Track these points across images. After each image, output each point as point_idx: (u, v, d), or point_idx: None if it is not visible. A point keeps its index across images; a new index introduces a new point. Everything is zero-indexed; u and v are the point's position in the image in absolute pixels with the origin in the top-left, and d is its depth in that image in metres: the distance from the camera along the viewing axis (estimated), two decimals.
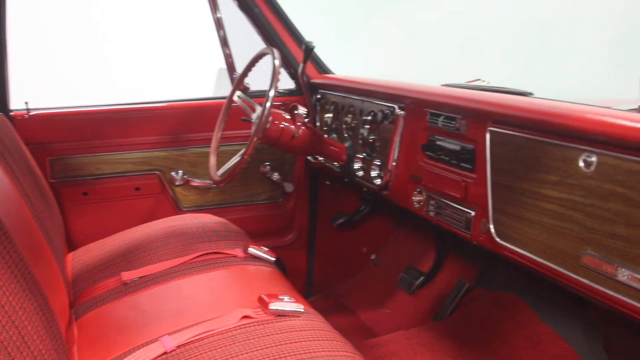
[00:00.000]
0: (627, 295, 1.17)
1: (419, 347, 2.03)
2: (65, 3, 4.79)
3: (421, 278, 2.45)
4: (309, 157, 2.49)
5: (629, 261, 1.16)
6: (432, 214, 1.87)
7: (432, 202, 1.86)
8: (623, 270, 1.18)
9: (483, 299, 2.20)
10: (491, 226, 1.54)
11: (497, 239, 1.52)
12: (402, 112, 1.97)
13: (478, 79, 2.09)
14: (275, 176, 2.60)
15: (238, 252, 1.81)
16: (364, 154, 2.17)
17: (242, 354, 1.26)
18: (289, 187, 2.64)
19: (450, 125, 1.74)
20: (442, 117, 1.77)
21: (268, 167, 2.59)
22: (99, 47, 4.85)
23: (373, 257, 2.83)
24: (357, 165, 2.20)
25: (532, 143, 1.41)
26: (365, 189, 2.40)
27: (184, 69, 4.83)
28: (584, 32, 5.53)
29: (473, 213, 1.68)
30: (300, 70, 2.29)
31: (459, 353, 1.99)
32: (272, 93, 1.89)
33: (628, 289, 1.17)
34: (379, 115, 2.05)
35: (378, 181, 2.07)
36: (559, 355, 1.86)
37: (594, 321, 1.78)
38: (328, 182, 2.68)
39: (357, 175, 2.20)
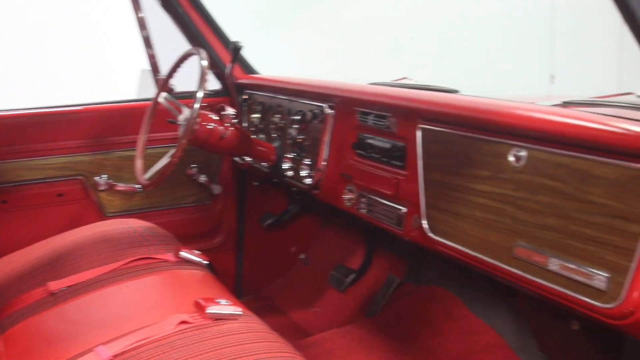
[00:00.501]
0: (558, 284, 1.21)
1: (355, 343, 2.04)
2: None
3: (352, 276, 2.46)
4: (236, 158, 2.46)
5: (559, 251, 1.21)
6: (363, 211, 1.88)
7: (363, 199, 1.87)
8: (554, 260, 1.22)
9: (413, 293, 2.23)
10: (424, 222, 1.57)
11: (430, 234, 1.55)
12: (331, 111, 1.97)
13: (404, 78, 2.13)
14: (202, 178, 2.55)
15: (169, 256, 1.77)
16: (294, 154, 2.16)
17: None
18: (216, 189, 2.60)
19: (381, 123, 1.75)
20: (372, 115, 1.79)
21: (194, 169, 2.54)
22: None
23: (302, 256, 2.82)
24: (286, 165, 2.19)
25: (463, 139, 1.44)
26: (294, 189, 2.39)
27: (104, 70, 4.68)
28: (495, 33, 5.72)
29: (404, 209, 1.70)
30: (228, 70, 2.26)
31: (393, 347, 2.01)
32: (200, 94, 1.86)
33: (559, 278, 1.21)
34: (308, 114, 2.04)
35: (308, 180, 2.07)
36: (489, 344, 1.91)
37: (523, 310, 1.84)
38: (256, 183, 2.65)
39: (286, 175, 2.19)
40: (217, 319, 1.38)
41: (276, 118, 2.27)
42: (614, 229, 1.11)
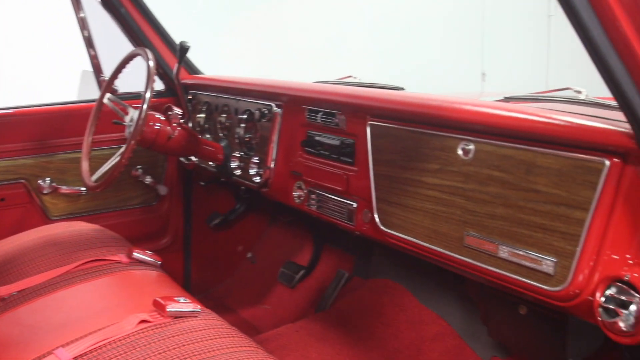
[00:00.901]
0: (508, 270, 1.26)
1: (309, 337, 2.06)
2: None
3: (301, 272, 2.49)
4: (182, 159, 2.45)
5: (508, 239, 1.26)
6: (313, 207, 1.90)
7: (313, 196, 1.89)
8: (503, 247, 1.27)
9: (363, 286, 2.27)
10: (375, 215, 1.60)
11: (382, 227, 1.58)
12: (279, 110, 1.99)
13: (349, 76, 2.16)
14: (148, 179, 2.53)
15: (122, 257, 1.75)
16: (241, 153, 2.16)
17: (144, 359, 1.22)
18: (162, 190, 2.58)
19: (330, 121, 1.78)
20: (321, 113, 1.81)
21: (140, 171, 2.51)
22: None
23: (249, 255, 2.83)
24: (234, 164, 2.19)
25: (412, 134, 1.48)
26: (243, 188, 2.39)
27: (43, 71, 4.54)
28: (428, 33, 5.84)
29: (355, 205, 1.73)
30: (175, 70, 2.24)
31: (346, 339, 2.05)
32: (148, 94, 1.84)
33: (509, 264, 1.26)
34: (257, 113, 2.05)
35: (257, 179, 2.08)
36: (438, 333, 1.97)
37: (471, 297, 1.90)
38: (202, 183, 2.64)
39: (234, 174, 2.19)
40: (176, 317, 1.38)
41: (222, 118, 2.27)
42: (559, 216, 1.17)
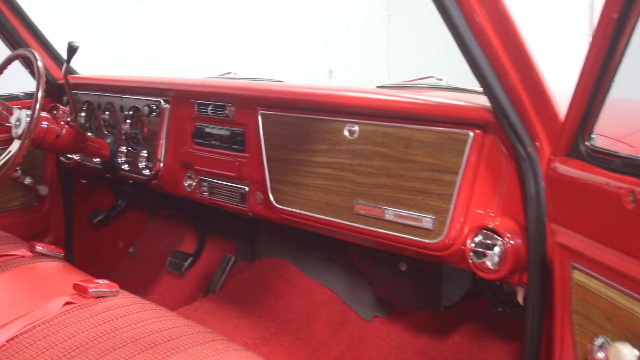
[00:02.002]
0: (394, 230, 1.47)
1: (207, 315, 2.17)
2: None
3: (189, 259, 2.58)
4: (61, 158, 2.45)
5: (393, 203, 1.47)
6: (205, 194, 2.02)
7: (205, 184, 2.01)
8: (389, 211, 1.48)
9: (251, 267, 2.41)
10: (270, 195, 1.76)
11: (277, 205, 1.74)
12: (167, 105, 2.08)
13: (229, 72, 2.29)
14: (28, 180, 2.49)
15: (24, 252, 1.77)
16: (128, 148, 2.22)
17: (75, 336, 1.29)
18: (43, 190, 2.55)
19: (220, 113, 1.91)
20: (210, 106, 1.93)
21: (18, 172, 2.47)
22: None
23: (131, 250, 2.87)
24: (121, 160, 2.25)
25: (302, 120, 1.65)
26: (130, 182, 2.44)
27: None
28: (281, 33, 6.05)
29: (247, 188, 1.87)
30: (63, 70, 2.25)
31: (242, 314, 2.18)
32: (40, 94, 1.87)
33: (394, 225, 1.47)
34: (145, 109, 2.13)
35: (147, 172, 2.15)
36: (325, 301, 2.16)
37: (355, 263, 2.11)
38: (84, 181, 2.65)
39: (122, 169, 2.25)
40: (98, 297, 1.46)
41: (106, 116, 2.31)
42: (434, 180, 1.39)
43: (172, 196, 2.51)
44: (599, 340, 0.98)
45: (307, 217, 1.66)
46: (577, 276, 1.05)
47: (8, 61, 2.05)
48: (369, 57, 7.08)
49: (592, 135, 1.06)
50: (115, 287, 1.52)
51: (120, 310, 1.41)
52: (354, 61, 7.00)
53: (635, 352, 0.89)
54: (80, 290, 1.46)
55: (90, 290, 1.45)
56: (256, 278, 2.34)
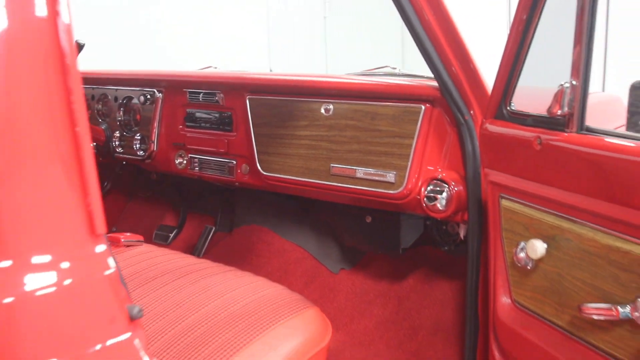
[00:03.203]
0: (364, 185, 1.85)
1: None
2: None
3: (175, 230, 2.90)
4: None
5: (362, 164, 1.85)
6: (196, 170, 2.35)
7: (195, 161, 2.34)
8: (360, 170, 1.85)
9: (231, 234, 2.75)
10: (258, 165, 2.11)
11: (264, 173, 2.09)
12: (160, 94, 2.40)
13: (210, 66, 2.63)
14: None
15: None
16: (123, 133, 2.52)
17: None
18: None
19: (211, 99, 2.24)
20: (202, 94, 2.26)
21: None
22: None
23: (114, 229, 3.15)
24: (116, 143, 2.55)
25: (285, 102, 2.01)
26: (124, 163, 2.73)
27: None
28: (222, 32, 6.31)
29: (234, 162, 2.22)
30: None
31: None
32: None
33: (364, 181, 1.85)
34: (141, 98, 2.43)
35: (142, 153, 2.46)
36: (298, 258, 2.52)
37: (325, 224, 2.47)
38: None
39: (117, 152, 2.55)
40: (128, 245, 1.78)
41: (99, 105, 2.61)
42: (395, 144, 1.78)
43: (151, 179, 2.83)
44: (521, 245, 1.38)
45: (291, 180, 2.02)
46: (505, 203, 1.45)
47: None
48: (307, 56, 7.43)
49: (512, 103, 1.46)
50: (140, 238, 1.84)
51: (149, 254, 1.74)
52: (294, 60, 7.34)
53: (544, 245, 1.30)
54: (114, 240, 1.78)
55: (122, 240, 1.77)
56: (237, 241, 2.68)
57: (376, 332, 2.25)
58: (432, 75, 1.66)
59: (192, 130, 2.33)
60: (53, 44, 0.71)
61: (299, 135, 1.99)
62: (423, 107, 1.73)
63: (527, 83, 1.43)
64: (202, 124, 2.30)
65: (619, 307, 1.11)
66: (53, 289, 0.70)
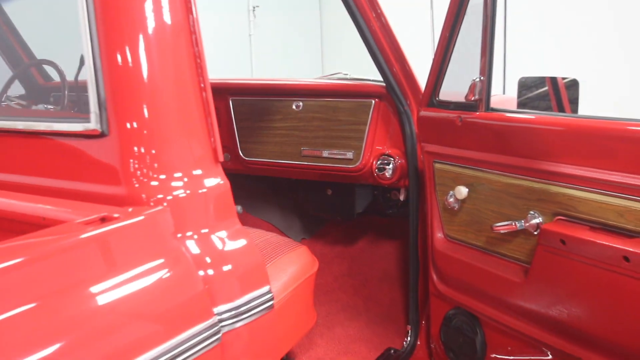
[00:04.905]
0: (329, 163, 2.36)
1: None
2: None
3: None
4: None
5: (327, 146, 2.36)
6: None
7: None
8: (325, 151, 2.36)
9: None
10: (240, 152, 2.57)
11: (245, 158, 2.56)
12: None
13: None
14: None
15: None
16: None
17: None
18: None
19: None
20: None
21: None
22: None
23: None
24: None
25: (263, 102, 2.50)
26: None
27: None
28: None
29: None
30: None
31: None
32: None
33: (329, 160, 2.36)
34: None
35: None
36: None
37: (292, 197, 2.96)
38: None
39: None
40: None
41: None
42: (353, 130, 2.30)
43: None
44: (450, 193, 1.93)
45: (269, 162, 2.50)
46: (437, 165, 1.99)
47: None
48: (234, 73, 7.84)
49: (439, 95, 2.01)
50: None
51: None
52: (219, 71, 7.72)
53: (467, 189, 1.85)
54: None
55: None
56: None
57: (335, 284, 2.76)
58: (373, 78, 2.20)
59: None
60: (189, 35, 1.18)
61: (275, 127, 2.47)
62: (373, 102, 2.27)
63: (451, 80, 1.99)
64: None
65: (516, 223, 1.67)
66: (188, 192, 1.16)
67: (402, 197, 2.42)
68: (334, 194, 2.64)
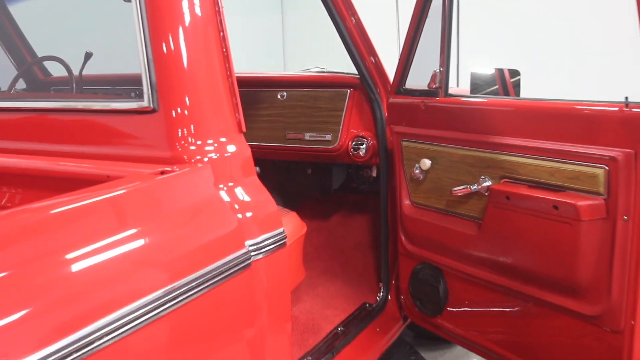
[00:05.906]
0: (311, 144, 2.68)
1: None
2: None
3: None
4: None
5: (309, 130, 2.67)
6: None
7: None
8: (307, 134, 2.68)
9: None
10: None
11: None
12: None
13: None
14: None
15: None
16: None
17: None
18: None
19: None
20: None
21: None
22: None
23: None
24: None
25: (251, 92, 2.80)
26: None
27: None
28: None
29: None
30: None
31: None
32: None
33: (311, 142, 2.67)
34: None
35: None
36: None
37: (276, 179, 3.26)
38: None
39: None
40: None
41: None
42: (331, 116, 2.62)
43: None
44: (416, 166, 2.27)
45: (257, 145, 2.80)
46: (405, 143, 2.33)
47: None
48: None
49: (406, 84, 2.34)
50: None
51: None
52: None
53: (430, 161, 2.18)
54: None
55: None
56: None
57: (315, 253, 3.08)
58: (346, 71, 2.53)
59: None
60: (217, 28, 1.46)
61: (262, 114, 2.78)
62: (349, 91, 2.59)
63: (415, 71, 2.33)
64: None
65: (471, 186, 2.01)
66: (218, 154, 1.46)
67: (374, 174, 2.75)
68: (313, 173, 2.96)
